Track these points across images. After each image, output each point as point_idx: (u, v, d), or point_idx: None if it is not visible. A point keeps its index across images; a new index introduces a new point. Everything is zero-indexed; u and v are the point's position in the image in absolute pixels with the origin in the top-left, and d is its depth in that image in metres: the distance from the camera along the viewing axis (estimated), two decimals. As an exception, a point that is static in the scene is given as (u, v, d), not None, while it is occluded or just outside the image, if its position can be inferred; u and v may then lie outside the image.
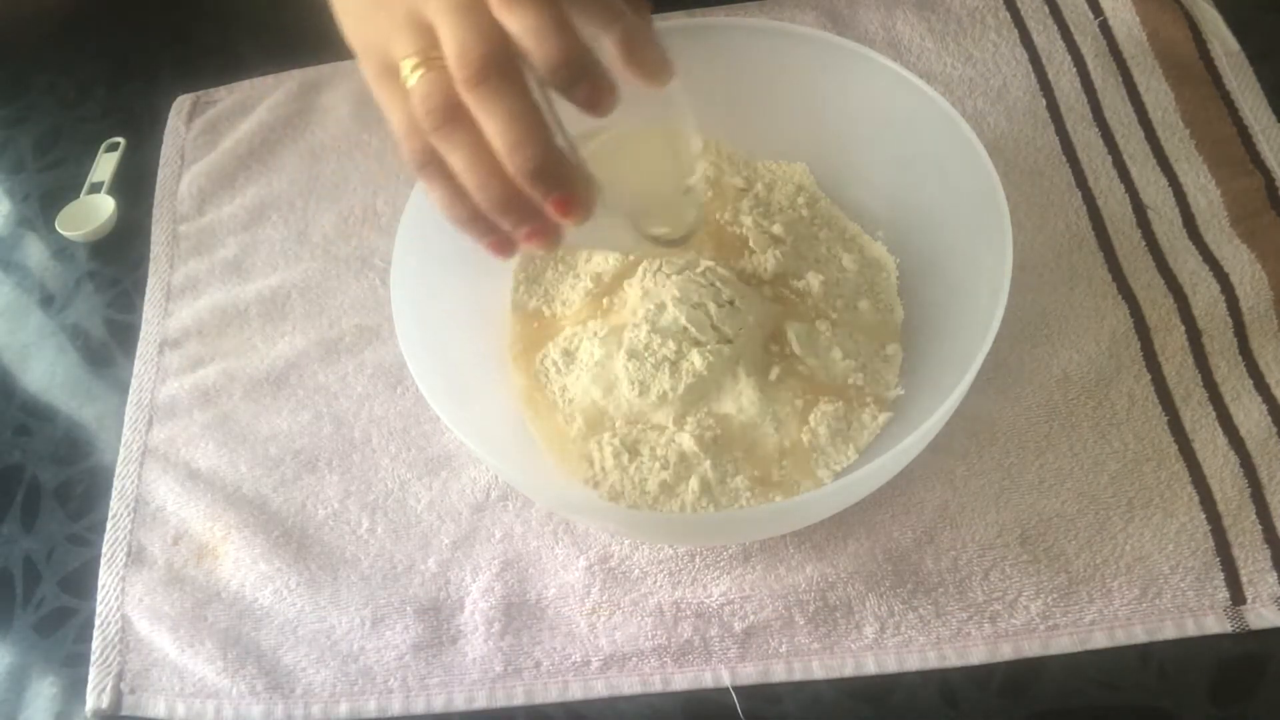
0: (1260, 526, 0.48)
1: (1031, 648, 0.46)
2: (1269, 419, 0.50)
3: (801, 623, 0.48)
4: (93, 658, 0.51)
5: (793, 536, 0.50)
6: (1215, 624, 0.46)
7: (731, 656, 0.48)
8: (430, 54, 0.35)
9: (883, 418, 0.50)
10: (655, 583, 0.50)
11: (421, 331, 0.48)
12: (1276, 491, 0.48)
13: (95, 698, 0.50)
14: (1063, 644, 0.46)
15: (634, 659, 0.48)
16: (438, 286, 0.51)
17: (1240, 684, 0.45)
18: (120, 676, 0.51)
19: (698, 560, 0.50)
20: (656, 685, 0.48)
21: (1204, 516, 0.48)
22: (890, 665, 0.47)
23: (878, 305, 0.54)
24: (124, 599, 0.53)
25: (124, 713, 0.50)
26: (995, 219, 0.46)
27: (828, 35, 0.54)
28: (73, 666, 0.52)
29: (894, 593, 0.48)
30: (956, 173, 0.49)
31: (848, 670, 0.47)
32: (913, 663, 0.47)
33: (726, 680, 0.47)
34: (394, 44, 0.36)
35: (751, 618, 0.48)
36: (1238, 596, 0.46)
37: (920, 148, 0.52)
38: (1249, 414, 0.50)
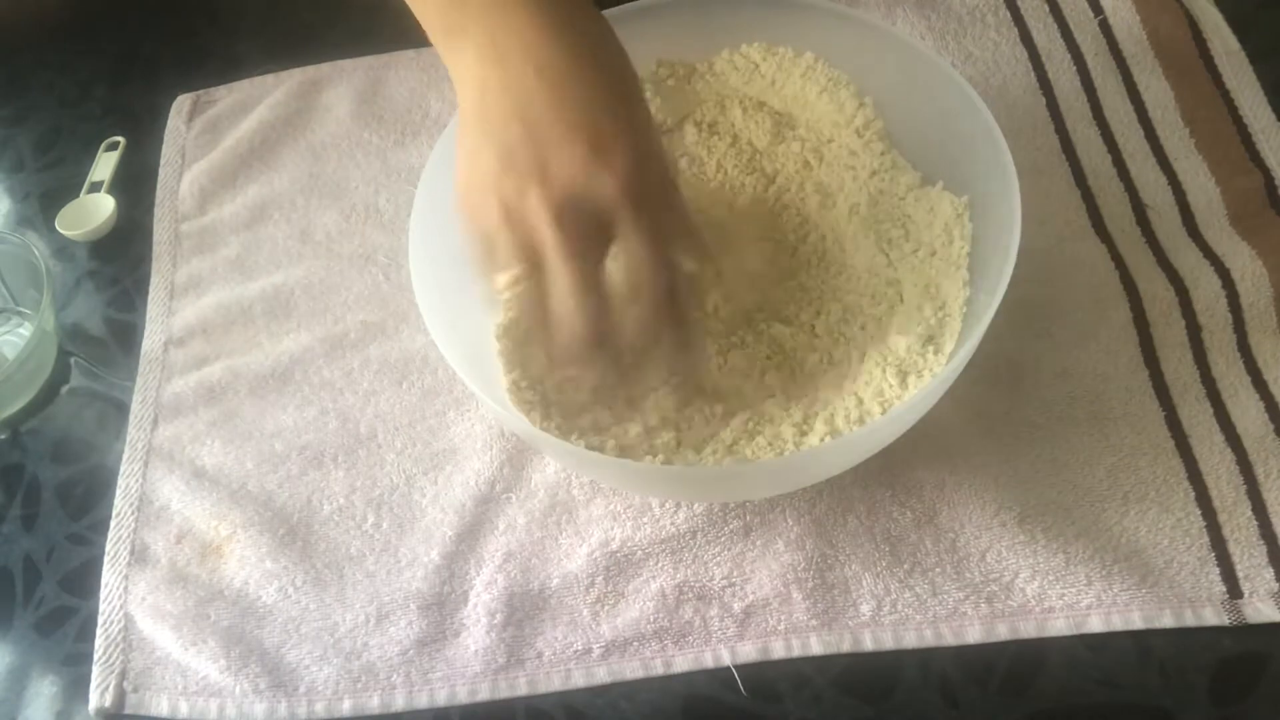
0: (1256, 523, 0.48)
1: (1027, 629, 0.47)
2: (1266, 416, 0.50)
3: (799, 599, 0.48)
4: (96, 656, 0.51)
5: (792, 511, 0.50)
6: (1212, 615, 0.46)
7: (730, 635, 0.48)
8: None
9: (889, 375, 0.48)
10: (658, 564, 0.50)
11: (445, 311, 0.49)
12: (1272, 488, 0.49)
13: (99, 696, 0.50)
14: (1058, 626, 0.47)
15: (635, 644, 0.48)
16: (453, 278, 0.51)
17: (1240, 682, 0.45)
18: (123, 675, 0.51)
19: (699, 538, 0.50)
20: (658, 668, 0.48)
21: (1199, 512, 0.48)
22: (887, 642, 0.47)
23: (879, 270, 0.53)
24: (127, 597, 0.53)
25: (127, 711, 0.50)
26: (1002, 187, 0.47)
27: (846, 9, 0.54)
28: (73, 665, 0.52)
29: (890, 572, 0.49)
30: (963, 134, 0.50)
31: (845, 646, 0.47)
32: (909, 640, 0.47)
33: (726, 659, 0.48)
34: (500, 242, 0.42)
35: (751, 597, 0.49)
36: (1234, 592, 0.46)
37: (940, 126, 0.52)
38: (1246, 411, 0.51)
